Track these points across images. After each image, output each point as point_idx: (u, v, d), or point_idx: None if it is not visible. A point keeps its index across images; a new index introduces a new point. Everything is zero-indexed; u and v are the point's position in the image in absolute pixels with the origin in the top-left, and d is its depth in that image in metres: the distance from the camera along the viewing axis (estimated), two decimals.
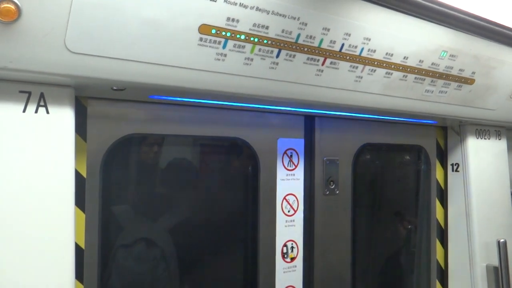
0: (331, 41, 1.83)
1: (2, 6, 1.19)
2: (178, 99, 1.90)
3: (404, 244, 3.10)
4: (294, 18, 1.68)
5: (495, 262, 2.83)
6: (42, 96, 1.43)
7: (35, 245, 1.41)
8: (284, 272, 2.32)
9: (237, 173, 2.40)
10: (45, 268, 1.43)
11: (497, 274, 2.83)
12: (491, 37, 2.08)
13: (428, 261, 3.02)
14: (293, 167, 2.36)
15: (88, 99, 1.76)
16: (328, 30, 1.79)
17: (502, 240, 2.81)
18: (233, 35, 1.59)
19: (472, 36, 2.22)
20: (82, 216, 1.75)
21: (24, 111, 1.40)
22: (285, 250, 2.32)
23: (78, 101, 1.70)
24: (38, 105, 1.42)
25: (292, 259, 2.35)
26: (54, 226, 1.44)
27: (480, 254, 2.88)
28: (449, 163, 3.04)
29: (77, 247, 1.70)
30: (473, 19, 1.92)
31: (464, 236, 2.92)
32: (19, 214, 1.39)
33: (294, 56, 1.78)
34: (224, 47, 1.60)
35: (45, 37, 1.28)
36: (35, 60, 1.31)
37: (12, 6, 1.19)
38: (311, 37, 1.77)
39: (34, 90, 1.42)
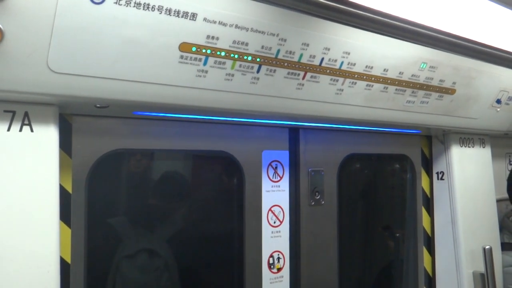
0: (310, 56, 1.87)
1: None
2: (162, 114, 1.93)
3: (391, 252, 3.12)
4: (274, 35, 1.72)
5: (482, 268, 2.87)
6: (26, 115, 1.46)
7: (20, 260, 1.43)
8: (271, 283, 2.34)
9: (223, 185, 2.42)
10: (31, 282, 1.45)
11: (483, 281, 2.86)
12: (467, 53, 2.11)
13: (415, 268, 3.05)
14: (278, 178, 2.39)
15: (72, 116, 1.79)
16: (308, 45, 1.83)
17: (487, 247, 2.84)
18: (213, 52, 1.63)
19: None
20: (68, 231, 1.78)
21: (8, 130, 1.43)
22: (271, 261, 2.34)
23: (62, 118, 1.73)
24: (23, 124, 1.45)
25: (279, 269, 2.37)
26: (39, 241, 1.47)
27: (467, 261, 2.91)
28: (434, 171, 3.08)
29: (63, 261, 1.73)
30: (447, 37, 1.96)
31: (451, 244, 2.95)
32: (3, 230, 1.41)
33: (274, 71, 1.82)
34: (205, 64, 1.64)
35: (28, 58, 1.32)
36: (19, 81, 1.34)
37: None
38: (290, 52, 1.80)
39: (18, 109, 1.45)
